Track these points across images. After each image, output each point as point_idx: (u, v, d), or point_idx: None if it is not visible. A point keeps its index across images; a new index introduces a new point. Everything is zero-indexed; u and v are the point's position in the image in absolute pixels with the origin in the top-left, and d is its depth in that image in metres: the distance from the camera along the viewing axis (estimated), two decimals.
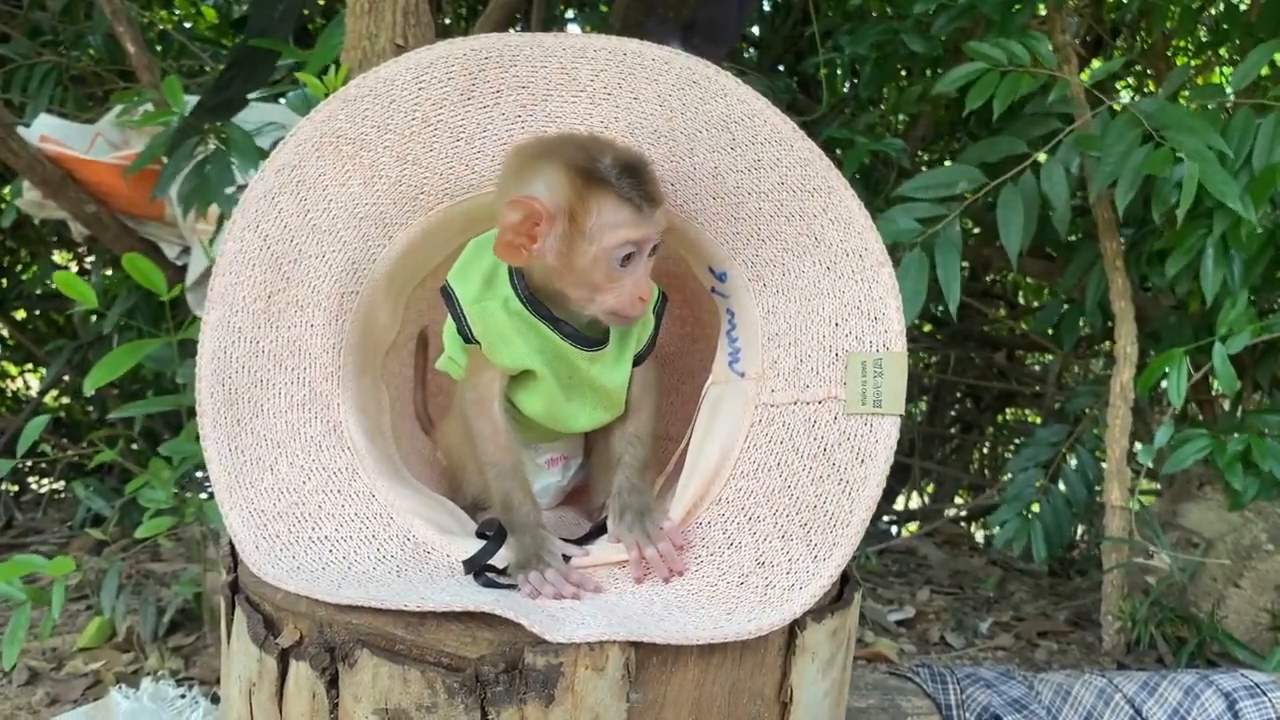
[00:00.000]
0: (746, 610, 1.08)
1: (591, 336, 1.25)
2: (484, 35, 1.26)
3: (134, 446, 3.15)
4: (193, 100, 2.37)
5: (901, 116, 3.64)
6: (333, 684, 1.01)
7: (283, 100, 2.66)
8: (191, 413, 2.14)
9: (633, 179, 1.11)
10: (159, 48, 3.53)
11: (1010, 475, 2.78)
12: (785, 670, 1.11)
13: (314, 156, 1.29)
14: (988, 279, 4.13)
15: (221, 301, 1.27)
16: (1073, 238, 2.81)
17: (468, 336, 1.23)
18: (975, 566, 3.27)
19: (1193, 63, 3.38)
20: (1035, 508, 2.61)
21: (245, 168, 2.18)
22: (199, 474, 2.39)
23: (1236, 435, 2.28)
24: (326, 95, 1.88)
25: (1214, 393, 2.96)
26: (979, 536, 3.90)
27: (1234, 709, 1.72)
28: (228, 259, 1.28)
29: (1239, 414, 2.80)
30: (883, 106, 3.53)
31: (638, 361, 1.30)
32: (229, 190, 2.19)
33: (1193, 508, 2.52)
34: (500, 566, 1.17)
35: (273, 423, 1.26)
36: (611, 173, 1.10)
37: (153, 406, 2.19)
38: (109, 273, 3.51)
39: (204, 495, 2.24)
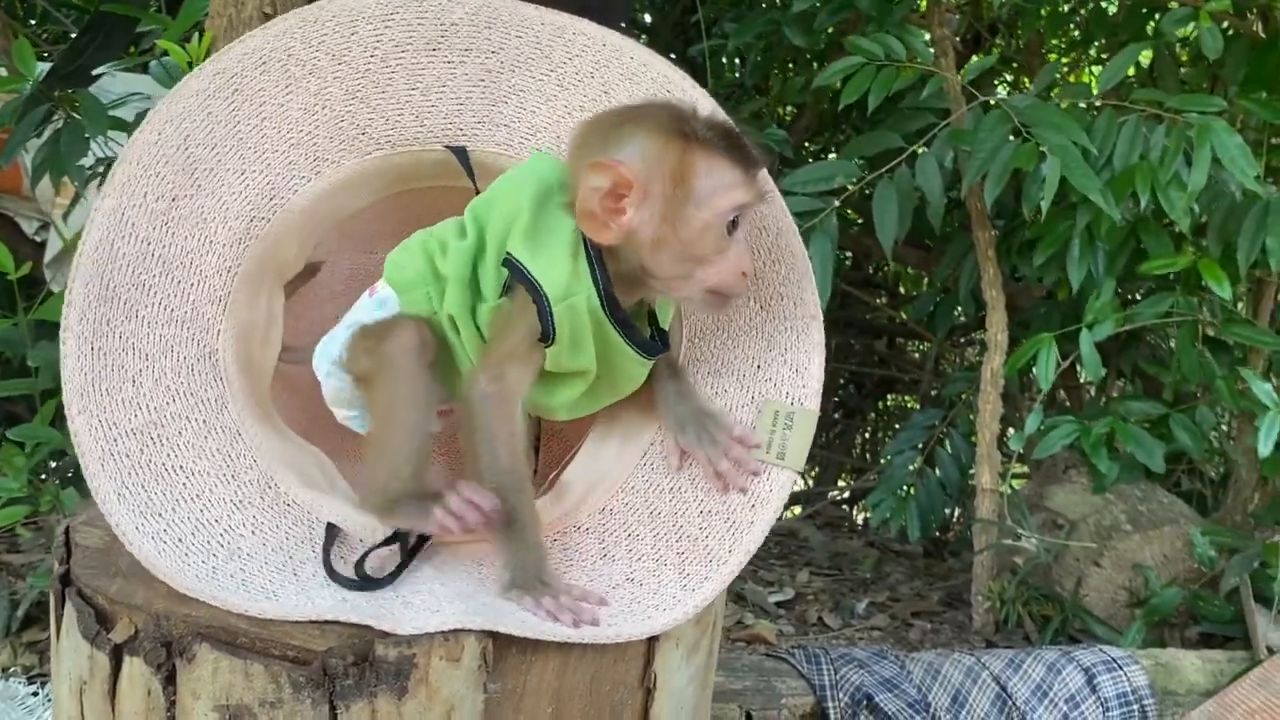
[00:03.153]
0: (608, 615, 1.07)
1: (654, 345, 1.15)
2: None
3: None
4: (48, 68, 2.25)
5: (788, 108, 3.68)
6: (169, 680, 0.96)
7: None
8: (45, 396, 2.04)
9: (733, 139, 1.06)
10: (20, 11, 3.34)
11: (888, 458, 2.84)
12: (649, 657, 1.10)
13: (258, 70, 1.23)
14: (869, 268, 4.20)
15: (121, 191, 1.18)
16: (948, 229, 2.88)
17: (549, 336, 1.07)
18: (854, 548, 3.33)
19: (1064, 61, 3.49)
20: (911, 490, 2.67)
21: (96, 135, 2.07)
22: (54, 463, 2.28)
23: (1101, 420, 2.37)
24: (189, 64, 1.81)
25: (1081, 380, 3.07)
26: (859, 519, 3.97)
27: (1092, 683, 1.80)
28: (139, 148, 1.19)
29: (1103, 401, 2.91)
30: (767, 98, 3.55)
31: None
32: (82, 162, 2.08)
33: (1058, 490, 2.61)
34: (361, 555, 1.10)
35: (146, 333, 1.18)
36: (710, 134, 1.04)
37: (2, 390, 2.07)
38: None
39: (58, 482, 2.13)
